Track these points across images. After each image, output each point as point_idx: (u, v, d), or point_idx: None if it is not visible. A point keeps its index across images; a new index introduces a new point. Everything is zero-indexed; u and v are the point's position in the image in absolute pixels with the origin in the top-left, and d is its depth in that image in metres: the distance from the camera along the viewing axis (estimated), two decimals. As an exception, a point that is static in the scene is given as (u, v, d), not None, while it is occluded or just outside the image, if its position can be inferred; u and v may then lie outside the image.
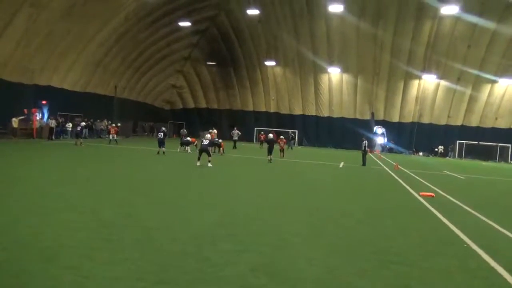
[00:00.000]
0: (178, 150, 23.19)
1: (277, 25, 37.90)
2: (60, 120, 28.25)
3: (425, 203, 10.43)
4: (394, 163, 23.17)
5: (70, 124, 29.73)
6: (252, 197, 9.83)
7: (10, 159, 14.98)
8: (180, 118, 47.25)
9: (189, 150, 23.35)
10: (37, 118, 26.66)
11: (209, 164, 15.66)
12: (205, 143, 16.00)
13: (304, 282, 4.35)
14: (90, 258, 4.58)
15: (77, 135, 23.41)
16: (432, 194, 11.86)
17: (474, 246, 6.26)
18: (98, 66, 33.73)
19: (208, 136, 16.73)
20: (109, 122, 33.33)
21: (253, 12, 34.56)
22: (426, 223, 8.10)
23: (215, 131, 27.99)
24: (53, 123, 26.57)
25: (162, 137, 19.78)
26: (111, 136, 26.44)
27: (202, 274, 4.35)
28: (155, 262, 4.58)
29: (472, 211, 9.51)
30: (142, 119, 43.35)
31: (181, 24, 35.70)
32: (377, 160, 27.47)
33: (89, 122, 31.36)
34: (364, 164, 21.42)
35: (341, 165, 21.39)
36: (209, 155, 15.94)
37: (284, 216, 7.80)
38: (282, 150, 23.50)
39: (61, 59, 29.79)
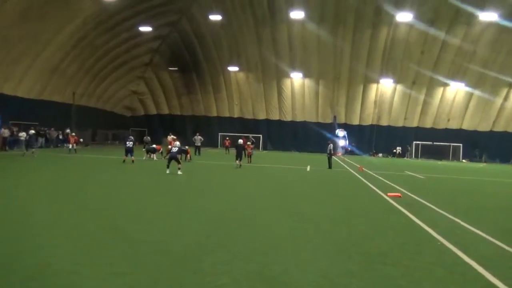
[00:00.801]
0: (144, 158, 22.65)
1: (240, 30, 38.12)
2: (14, 130, 26.66)
3: (393, 203, 10.89)
4: (358, 165, 23.96)
5: (24, 134, 28.15)
6: (230, 203, 9.84)
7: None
8: (142, 124, 46.17)
9: (155, 158, 22.90)
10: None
11: (179, 172, 15.46)
12: (174, 151, 15.80)
13: (302, 287, 4.43)
14: (78, 274, 4.40)
15: (27, 144, 21.86)
16: (399, 195, 12.39)
17: (447, 243, 6.63)
18: (54, 72, 32.26)
19: (177, 143, 16.51)
20: (67, 131, 31.95)
21: (215, 17, 34.59)
22: (399, 222, 8.47)
23: (172, 136, 27.51)
24: (6, 132, 25.07)
25: (130, 145, 19.22)
26: (70, 146, 25.31)
27: (198, 286, 4.31)
28: (148, 276, 4.49)
29: (438, 209, 10.05)
30: (102, 126, 41.86)
31: (142, 29, 34.99)
32: (341, 163, 28.25)
33: (44, 131, 29.92)
34: (330, 167, 21.99)
35: (308, 169, 21.82)
36: (178, 162, 15.74)
37: (267, 221, 7.89)
38: (249, 155, 23.64)
39: (15, 65, 28.19)
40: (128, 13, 32.55)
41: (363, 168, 22.12)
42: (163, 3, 33.76)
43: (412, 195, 12.60)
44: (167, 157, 16.41)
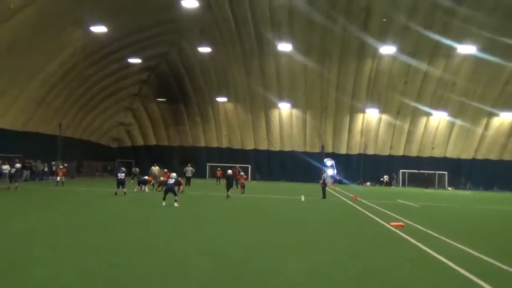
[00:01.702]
0: (135, 189, 22.12)
1: (228, 62, 38.70)
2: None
3: (399, 233, 10.82)
4: (352, 195, 23.98)
5: (8, 167, 27.22)
6: (233, 235, 9.60)
7: None
8: (128, 156, 45.44)
9: (146, 189, 22.41)
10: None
11: (176, 204, 15.09)
12: (171, 182, 15.49)
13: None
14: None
15: (11, 178, 20.83)
16: (402, 224, 12.35)
17: (466, 273, 6.55)
18: (40, 104, 31.75)
19: (174, 175, 16.20)
20: (53, 163, 31.13)
21: (204, 49, 35.14)
22: (411, 253, 8.36)
23: (157, 167, 27.22)
24: (-9, 166, 24.23)
25: (122, 177, 18.75)
26: (58, 178, 24.57)
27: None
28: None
29: (444, 238, 10.00)
30: (87, 158, 41.03)
31: (131, 60, 35.19)
32: (333, 192, 28.23)
33: (30, 163, 29.07)
34: (324, 196, 21.89)
35: (303, 199, 21.67)
36: (175, 194, 15.39)
37: (277, 254, 7.65)
38: (243, 186, 23.39)
39: (0, 97, 27.69)
40: (117, 45, 32.66)
41: (357, 198, 22.12)
42: (153, 36, 34.11)
43: (414, 224, 12.56)
44: (163, 189, 16.07)
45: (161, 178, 23.87)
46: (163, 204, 15.12)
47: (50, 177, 30.21)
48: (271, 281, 5.75)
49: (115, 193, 18.71)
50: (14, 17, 23.66)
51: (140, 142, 46.33)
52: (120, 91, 39.86)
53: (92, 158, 41.43)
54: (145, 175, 25.31)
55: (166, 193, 15.38)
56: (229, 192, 20.07)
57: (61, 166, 25.19)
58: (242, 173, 24.49)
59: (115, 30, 29.77)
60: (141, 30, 32.33)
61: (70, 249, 7.44)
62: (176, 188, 15.63)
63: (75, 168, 37.37)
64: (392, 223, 12.44)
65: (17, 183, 21.15)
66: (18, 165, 22.43)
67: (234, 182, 27.49)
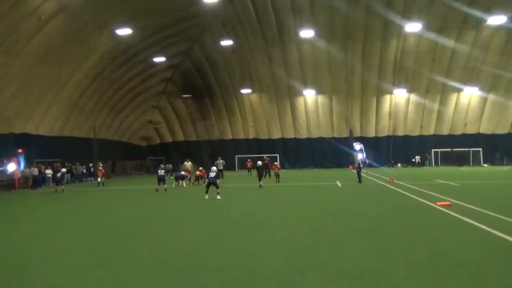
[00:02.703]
0: (173, 185, 22.71)
1: (251, 53, 38.72)
2: (42, 168, 26.96)
3: (450, 212, 10.77)
4: (387, 177, 23.80)
5: (50, 171, 28.45)
6: (290, 224, 9.67)
7: (33, 210, 14.07)
8: (158, 153, 46.45)
9: (184, 185, 22.96)
10: (19, 167, 25.38)
11: (218, 197, 15.44)
12: (212, 176, 15.82)
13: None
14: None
15: (58, 181, 22.11)
16: (449, 203, 12.26)
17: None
18: (73, 108, 32.86)
19: (214, 168, 16.54)
20: (90, 165, 32.22)
21: (226, 43, 35.32)
22: (472, 233, 8.31)
23: (190, 163, 28.06)
24: (35, 171, 25.36)
25: (163, 173, 19.37)
26: (99, 179, 25.49)
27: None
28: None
29: (499, 215, 9.89)
30: (120, 158, 42.21)
31: (156, 60, 35.78)
32: (366, 176, 28.03)
33: (70, 167, 30.20)
34: (360, 181, 21.83)
35: (339, 184, 21.68)
36: (217, 187, 15.72)
37: (341, 240, 7.76)
38: (277, 175, 23.68)
39: (36, 104, 28.81)
40: (142, 46, 33.27)
41: (394, 180, 21.94)
42: (175, 33, 34.50)
43: (461, 203, 12.44)
44: (199, 183, 16.46)
45: (196, 173, 24.44)
46: (206, 197, 15.50)
47: (89, 178, 31.33)
48: (343, 266, 5.92)
49: (157, 190, 19.29)
50: (45, 27, 24.50)
51: (168, 139, 47.19)
52: (146, 90, 40.64)
53: (124, 157, 42.59)
54: (178, 171, 26.03)
55: (208, 186, 15.76)
56: (261, 182, 20.65)
57: (100, 167, 26.04)
58: (276, 163, 24.74)
59: (139, 31, 30.35)
60: (164, 29, 32.78)
61: (139, 241, 7.83)
62: (217, 181, 15.92)
63: (110, 168, 38.52)
64: (438, 203, 12.38)
65: (63, 186, 22.11)
66: (63, 170, 23.46)
67: (267, 171, 28.01)
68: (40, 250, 7.62)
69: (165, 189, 19.20)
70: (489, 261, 6.01)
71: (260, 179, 20.77)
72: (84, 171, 32.11)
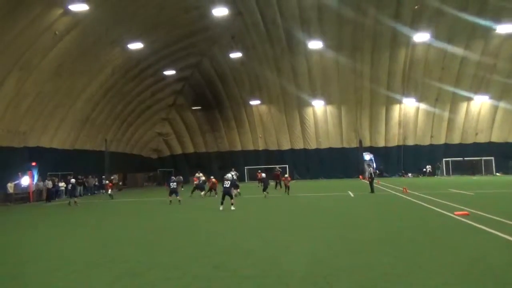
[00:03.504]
0: (190, 195, 23.13)
1: (260, 65, 39.05)
2: (56, 181, 27.28)
3: (469, 221, 10.69)
4: (400, 187, 23.66)
5: (63, 184, 28.75)
6: (308, 234, 9.67)
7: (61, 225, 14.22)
8: (168, 165, 46.72)
9: (202, 194, 23.40)
10: (33, 181, 25.70)
11: (232, 207, 15.42)
12: (226, 186, 15.75)
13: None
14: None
15: (71, 194, 22.16)
16: (467, 212, 12.18)
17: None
18: (85, 122, 33.28)
19: (229, 176, 16.60)
20: (103, 177, 32.47)
21: (235, 55, 35.74)
22: (492, 241, 8.27)
23: (201, 174, 28.34)
24: (50, 184, 25.65)
25: (175, 186, 19.43)
26: (109, 191, 25.68)
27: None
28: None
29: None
30: (131, 170, 42.54)
31: (166, 73, 36.27)
32: (377, 185, 27.88)
33: (82, 179, 30.46)
34: (372, 191, 21.74)
35: (351, 195, 21.61)
36: (231, 197, 15.72)
37: (362, 249, 7.76)
38: (287, 187, 23.58)
39: (50, 119, 29.25)
40: (152, 59, 33.78)
41: (407, 190, 21.81)
42: (185, 47, 35.00)
43: (478, 212, 12.35)
44: (210, 195, 16.46)
45: (206, 183, 24.69)
46: (221, 208, 15.49)
47: (101, 191, 31.56)
48: (370, 275, 5.92)
49: (170, 202, 19.36)
50: (60, 43, 25.04)
51: (178, 151, 47.47)
52: (156, 103, 41.07)
53: (135, 170, 42.92)
54: (189, 183, 26.31)
55: (223, 197, 15.71)
56: (265, 192, 21.69)
57: (107, 181, 26.26)
58: (286, 175, 24.77)
59: (150, 45, 30.86)
60: (174, 43, 33.30)
61: (159, 253, 7.89)
62: (232, 191, 15.88)
63: (122, 180, 38.82)
64: (456, 212, 12.30)
65: (76, 198, 22.29)
66: (73, 180, 23.46)
67: (278, 182, 28.05)
68: (65, 262, 7.71)
69: (179, 201, 19.24)
70: (516, 270, 5.98)
71: (264, 190, 21.77)
72: (96, 183, 32.34)
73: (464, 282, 5.47)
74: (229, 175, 16.71)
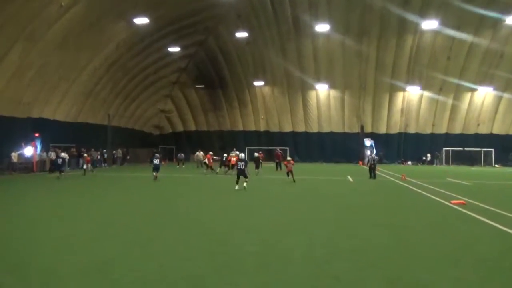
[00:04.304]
0: (205, 172, 24.89)
1: (265, 46, 38.79)
2: (59, 152, 27.51)
3: (465, 210, 10.96)
4: (398, 174, 23.94)
5: (66, 155, 28.96)
6: (311, 216, 9.93)
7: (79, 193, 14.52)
8: (170, 142, 47.02)
9: (217, 170, 24.89)
10: (37, 151, 25.95)
11: (244, 184, 15.29)
12: (241, 167, 15.40)
13: None
14: None
15: (59, 168, 21.55)
16: (463, 202, 12.44)
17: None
18: (89, 96, 33.30)
19: (242, 155, 16.84)
20: (104, 151, 32.65)
21: (241, 35, 35.43)
22: (486, 230, 8.55)
23: (202, 153, 30.07)
24: (53, 155, 25.90)
25: (157, 162, 20.17)
26: (85, 166, 24.45)
27: None
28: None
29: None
30: (132, 145, 42.77)
31: (171, 49, 36.03)
32: (376, 172, 28.11)
33: (86, 152, 30.70)
34: (372, 176, 22.00)
35: (351, 179, 21.90)
36: (246, 177, 15.42)
37: (364, 231, 8.03)
38: (291, 172, 19.86)
39: (53, 91, 29.27)
40: (158, 35, 33.52)
41: (406, 177, 22.09)
42: (191, 24, 34.67)
43: (474, 202, 12.62)
44: (233, 173, 16.54)
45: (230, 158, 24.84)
46: (236, 188, 15.32)
47: (103, 164, 31.92)
48: (367, 257, 6.19)
49: (155, 177, 19.70)
50: (65, 15, 24.81)
51: (180, 128, 47.65)
52: (160, 79, 40.96)
53: (136, 145, 43.16)
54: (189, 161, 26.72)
55: (238, 177, 15.38)
56: (257, 170, 23.71)
57: (85, 155, 25.79)
58: (289, 158, 23.38)
59: (156, 21, 30.54)
60: (180, 19, 32.97)
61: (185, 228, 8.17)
62: (246, 170, 15.57)
63: (123, 155, 39.09)
64: (452, 201, 12.57)
65: (63, 172, 21.79)
66: (63, 155, 23.15)
67: (277, 163, 28.11)
68: (80, 229, 7.99)
69: (156, 177, 19.63)
70: (508, 257, 6.24)
71: (256, 168, 24.00)
72: (99, 157, 32.63)
73: (456, 266, 5.74)
74: (242, 155, 16.89)
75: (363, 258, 6.09)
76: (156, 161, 20.18)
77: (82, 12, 25.57)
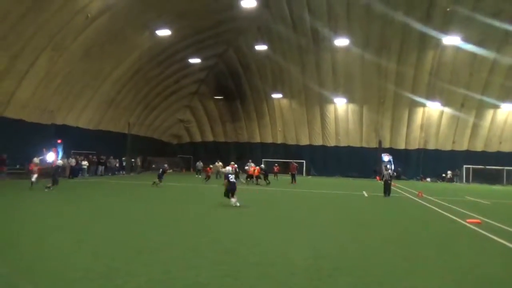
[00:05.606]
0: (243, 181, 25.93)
1: (284, 59, 39.10)
2: (79, 159, 28.32)
3: (479, 230, 10.71)
4: (415, 191, 23.52)
5: (86, 162, 29.76)
6: (320, 230, 9.90)
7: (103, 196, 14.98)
8: (187, 152, 47.61)
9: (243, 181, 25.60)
10: (58, 158, 26.67)
11: (234, 202, 13.98)
12: (234, 181, 14.47)
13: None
14: None
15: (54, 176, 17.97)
16: (479, 221, 12.16)
17: None
18: (111, 104, 34.27)
19: (229, 169, 16.64)
20: (123, 159, 33.33)
21: (260, 47, 35.89)
22: (498, 250, 8.35)
23: (220, 163, 31.12)
24: (73, 161, 26.65)
25: (161, 172, 22.15)
26: (33, 177, 18.82)
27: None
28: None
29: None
30: (151, 154, 43.51)
31: (191, 61, 36.77)
32: (393, 188, 27.67)
33: (104, 159, 31.47)
34: (386, 193, 21.55)
35: (366, 195, 21.66)
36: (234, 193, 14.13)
37: (370, 248, 7.99)
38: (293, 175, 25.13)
39: (77, 99, 30.28)
40: (179, 46, 34.37)
41: (422, 194, 21.70)
42: (212, 36, 35.38)
43: (491, 221, 12.31)
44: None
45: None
46: (232, 202, 15.31)
47: (121, 172, 32.54)
48: (372, 272, 6.17)
49: (156, 184, 21.36)
50: (91, 25, 25.78)
51: (198, 138, 48.23)
52: (180, 89, 41.80)
53: (154, 154, 43.87)
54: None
55: (231, 193, 14.10)
56: (266, 180, 25.19)
57: (35, 162, 19.74)
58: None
59: (178, 32, 31.40)
60: (201, 31, 33.74)
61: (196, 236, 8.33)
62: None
63: (141, 163, 39.79)
64: (468, 220, 12.30)
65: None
66: (59, 162, 20.98)
67: (293, 176, 28.21)
68: (91, 235, 8.24)
69: (154, 183, 21.44)
70: (516, 279, 6.11)
71: (265, 179, 25.38)
72: (117, 164, 33.33)
73: (460, 286, 5.65)
74: (228, 168, 16.46)
75: (368, 273, 6.07)
76: (160, 171, 22.33)
77: (107, 22, 26.51)
